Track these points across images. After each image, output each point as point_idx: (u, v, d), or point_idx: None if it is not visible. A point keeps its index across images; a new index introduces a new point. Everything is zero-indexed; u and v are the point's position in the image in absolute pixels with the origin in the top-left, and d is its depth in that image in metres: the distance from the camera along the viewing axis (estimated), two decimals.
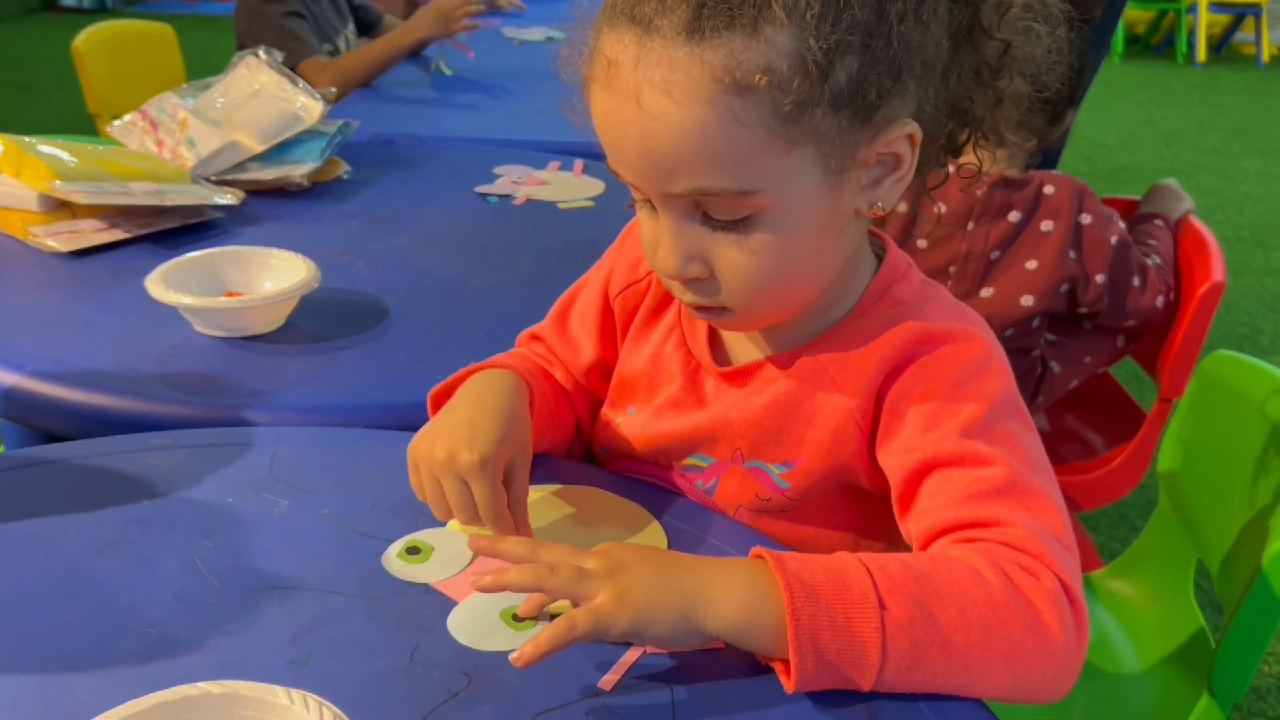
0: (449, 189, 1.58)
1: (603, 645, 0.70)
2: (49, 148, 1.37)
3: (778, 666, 0.66)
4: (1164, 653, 1.10)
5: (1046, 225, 1.41)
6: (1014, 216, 1.42)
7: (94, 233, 1.32)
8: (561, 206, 1.53)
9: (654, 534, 0.82)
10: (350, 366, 1.06)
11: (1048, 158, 1.64)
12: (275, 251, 1.18)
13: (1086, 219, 1.44)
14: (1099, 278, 1.43)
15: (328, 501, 0.84)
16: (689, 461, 0.85)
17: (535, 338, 0.95)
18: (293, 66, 2.11)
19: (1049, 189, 1.44)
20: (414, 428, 0.94)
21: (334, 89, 2.09)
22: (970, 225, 1.43)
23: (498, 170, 1.64)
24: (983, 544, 0.67)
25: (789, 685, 0.64)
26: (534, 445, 0.83)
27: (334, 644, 0.70)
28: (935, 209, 1.39)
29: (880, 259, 0.82)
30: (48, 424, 1.02)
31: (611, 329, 0.91)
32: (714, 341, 0.85)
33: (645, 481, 0.88)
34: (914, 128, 0.71)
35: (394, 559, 0.77)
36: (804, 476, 0.80)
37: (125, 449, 0.90)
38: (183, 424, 0.96)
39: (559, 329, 0.94)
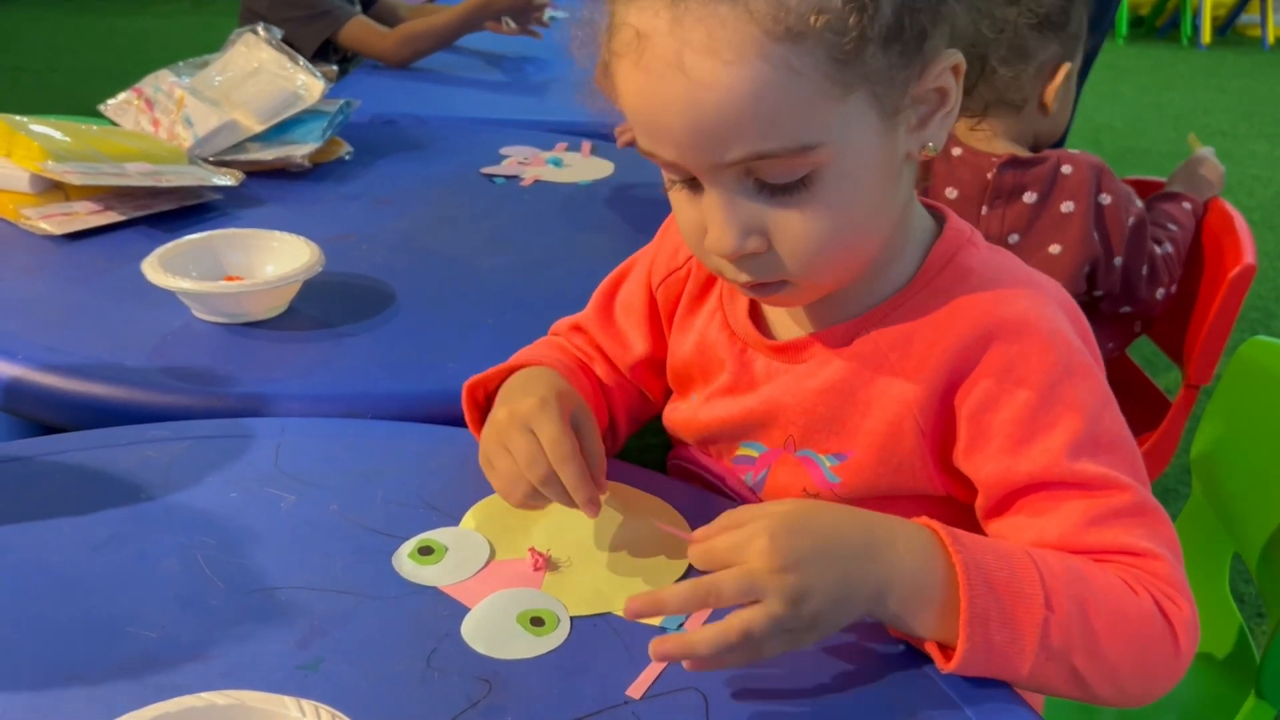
0: (454, 170, 1.53)
1: (628, 647, 0.66)
2: (41, 127, 1.32)
3: (930, 647, 0.64)
4: (1199, 650, 1.06)
5: (1067, 206, 1.37)
6: (1029, 197, 1.37)
7: (88, 215, 1.27)
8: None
9: (675, 523, 0.78)
10: (356, 353, 1.02)
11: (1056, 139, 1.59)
12: (277, 234, 1.13)
13: (1106, 199, 1.39)
14: (1117, 260, 1.39)
15: (336, 496, 0.80)
16: (741, 452, 0.81)
17: (578, 329, 0.91)
18: (337, 30, 2.06)
19: (1066, 168, 1.39)
20: (424, 418, 0.91)
21: (399, 54, 2.04)
22: (984, 209, 1.38)
23: (504, 151, 1.60)
24: (1126, 569, 0.66)
25: (947, 668, 0.63)
26: None
27: (345, 648, 0.66)
28: (946, 194, 1.34)
29: (939, 228, 0.76)
30: (41, 415, 0.98)
31: (658, 321, 0.87)
32: (755, 317, 0.80)
33: (696, 470, 0.85)
34: (958, 58, 0.67)
35: (405, 559, 0.73)
36: (855, 472, 0.75)
37: (122, 441, 0.86)
38: (182, 415, 0.92)
39: (604, 321, 0.89)
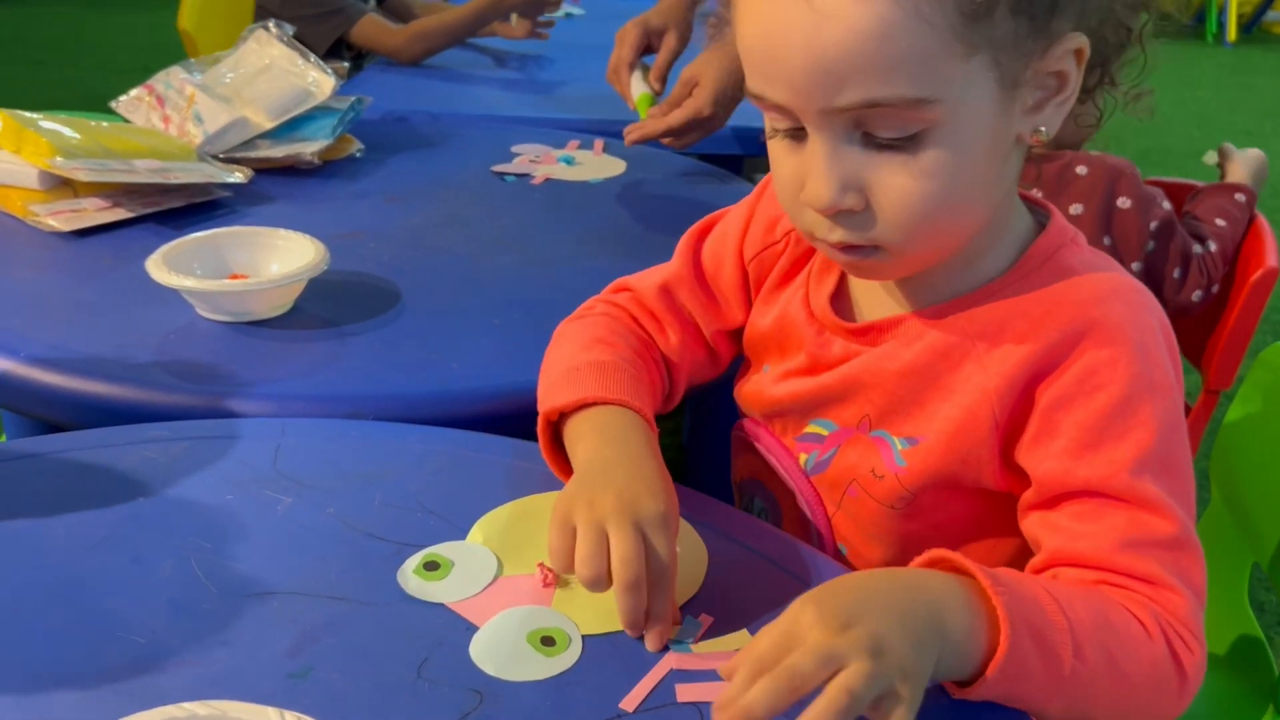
0: (465, 168, 1.52)
1: (625, 660, 0.65)
2: (51, 123, 1.31)
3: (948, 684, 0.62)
4: (1216, 661, 1.04)
5: (1075, 209, 1.34)
6: (1036, 194, 1.35)
7: (96, 212, 1.27)
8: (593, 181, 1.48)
9: (689, 538, 0.76)
10: (360, 353, 1.01)
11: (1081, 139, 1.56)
12: (282, 232, 1.12)
13: (1125, 203, 1.37)
14: (1134, 266, 1.36)
15: (334, 499, 0.79)
16: (809, 430, 0.80)
17: (666, 290, 0.88)
18: (349, 28, 2.06)
19: (1081, 169, 1.36)
20: (427, 419, 0.90)
21: (411, 51, 2.04)
22: None
23: (516, 149, 1.59)
24: (1144, 600, 0.64)
25: (961, 695, 0.61)
26: None
27: (336, 655, 0.65)
28: None
29: (1041, 226, 0.75)
30: (43, 413, 0.97)
31: (747, 291, 0.87)
32: (839, 298, 0.79)
33: (755, 446, 0.83)
34: (1082, 41, 0.65)
35: (410, 575, 0.71)
36: (923, 458, 0.73)
37: (121, 441, 0.85)
38: (183, 414, 0.91)
39: (699, 285, 0.88)
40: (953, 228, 0.69)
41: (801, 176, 0.67)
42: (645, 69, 1.53)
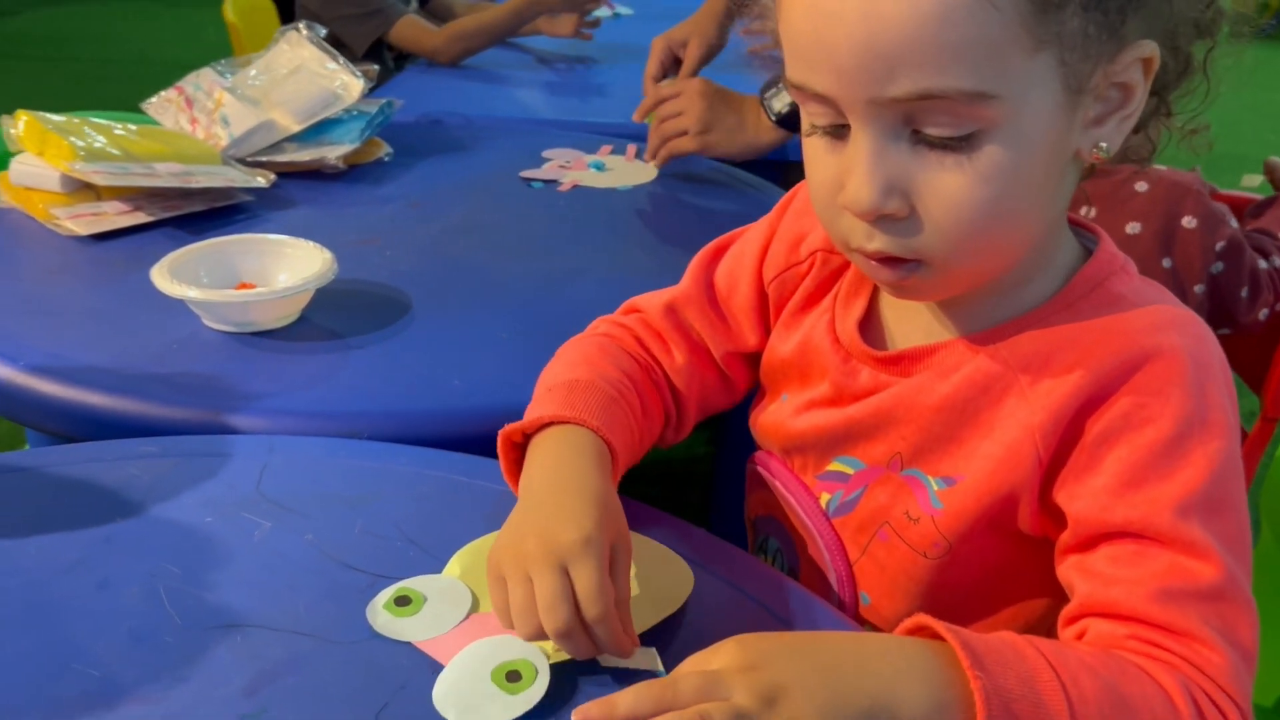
0: (492, 173, 1.49)
1: (593, 693, 0.61)
2: (73, 125, 1.31)
3: None
4: (1264, 715, 0.97)
5: (1133, 228, 1.27)
6: (1087, 213, 1.28)
7: (116, 215, 1.26)
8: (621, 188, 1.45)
9: (679, 575, 0.72)
10: (361, 368, 0.98)
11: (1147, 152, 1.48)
12: (291, 240, 1.10)
13: (1190, 222, 1.29)
14: (1197, 288, 1.29)
15: (314, 525, 0.76)
16: (832, 468, 0.75)
17: (672, 309, 0.84)
18: (388, 29, 2.05)
19: (1140, 185, 1.29)
20: (419, 438, 0.87)
21: (449, 51, 2.03)
22: None
23: (546, 154, 1.55)
24: (1175, 662, 0.58)
25: None
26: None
27: (293, 695, 0.62)
28: None
29: (1088, 251, 0.70)
30: (39, 423, 0.96)
31: (765, 314, 0.82)
32: (868, 326, 0.74)
33: (772, 482, 0.79)
34: (1152, 49, 0.60)
35: (380, 610, 0.68)
36: (962, 500, 0.68)
37: (109, 456, 0.83)
38: (177, 428, 0.89)
39: (706, 302, 0.84)
40: (1003, 244, 0.64)
41: (840, 177, 0.62)
42: (673, 82, 1.51)
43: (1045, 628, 0.70)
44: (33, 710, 0.60)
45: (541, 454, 0.71)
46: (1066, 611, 0.64)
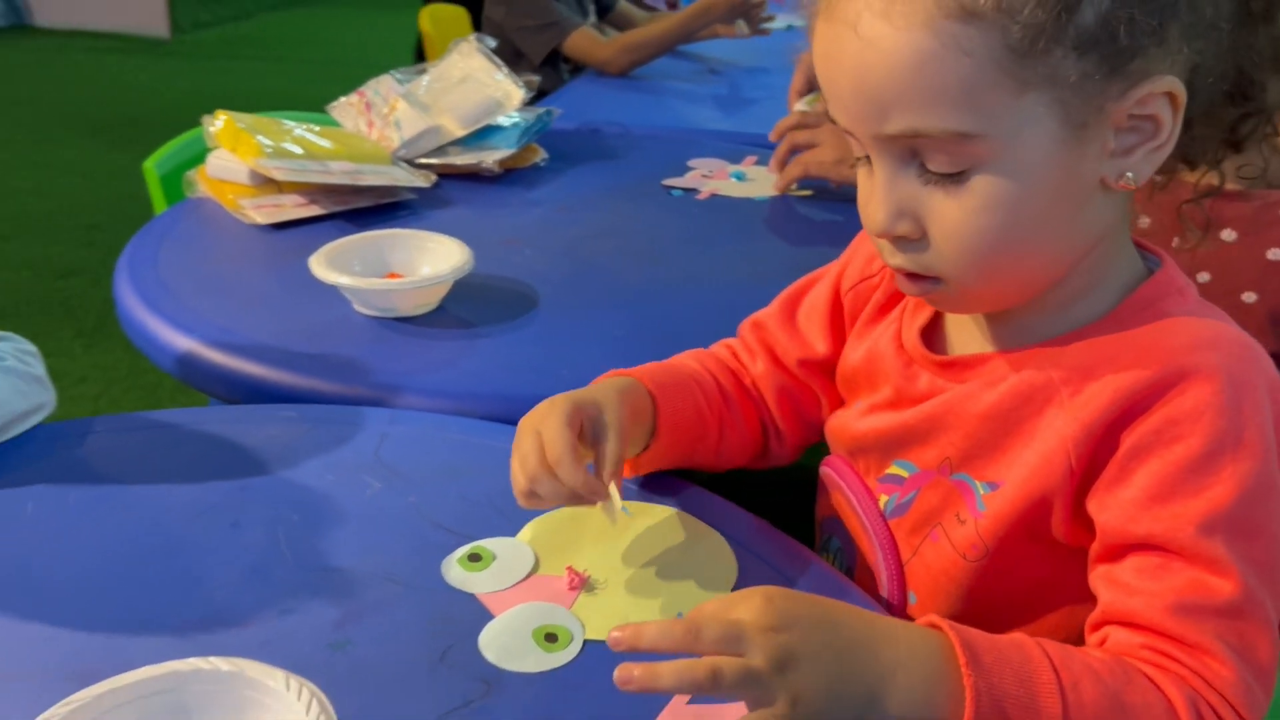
0: (637, 180, 1.57)
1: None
2: (262, 124, 1.46)
3: None
4: None
5: (1274, 254, 1.24)
6: (1227, 235, 1.25)
7: (294, 207, 1.40)
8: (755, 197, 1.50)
9: (725, 561, 0.78)
10: (486, 354, 1.08)
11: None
12: (437, 236, 1.21)
13: None
14: None
15: (417, 489, 0.85)
16: (890, 470, 0.80)
17: (758, 325, 0.93)
18: (562, 40, 2.18)
19: None
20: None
21: (618, 62, 2.15)
22: (1175, 240, 1.28)
23: (692, 163, 1.62)
24: (1184, 674, 0.61)
25: None
26: (668, 451, 0.84)
27: (374, 633, 0.71)
28: (1140, 222, 1.25)
29: (1151, 272, 0.73)
30: (207, 388, 1.09)
31: (840, 324, 0.88)
32: (932, 333, 0.79)
33: (839, 483, 0.84)
34: (1174, 84, 0.63)
35: (454, 564, 0.77)
36: (1001, 504, 0.71)
37: (256, 418, 0.95)
38: (317, 398, 1.00)
39: (785, 318, 0.91)
40: (1017, 267, 0.68)
41: (869, 198, 0.69)
42: (818, 96, 1.55)
43: None
44: (163, 626, 0.71)
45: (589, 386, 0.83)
46: (1091, 618, 0.67)
